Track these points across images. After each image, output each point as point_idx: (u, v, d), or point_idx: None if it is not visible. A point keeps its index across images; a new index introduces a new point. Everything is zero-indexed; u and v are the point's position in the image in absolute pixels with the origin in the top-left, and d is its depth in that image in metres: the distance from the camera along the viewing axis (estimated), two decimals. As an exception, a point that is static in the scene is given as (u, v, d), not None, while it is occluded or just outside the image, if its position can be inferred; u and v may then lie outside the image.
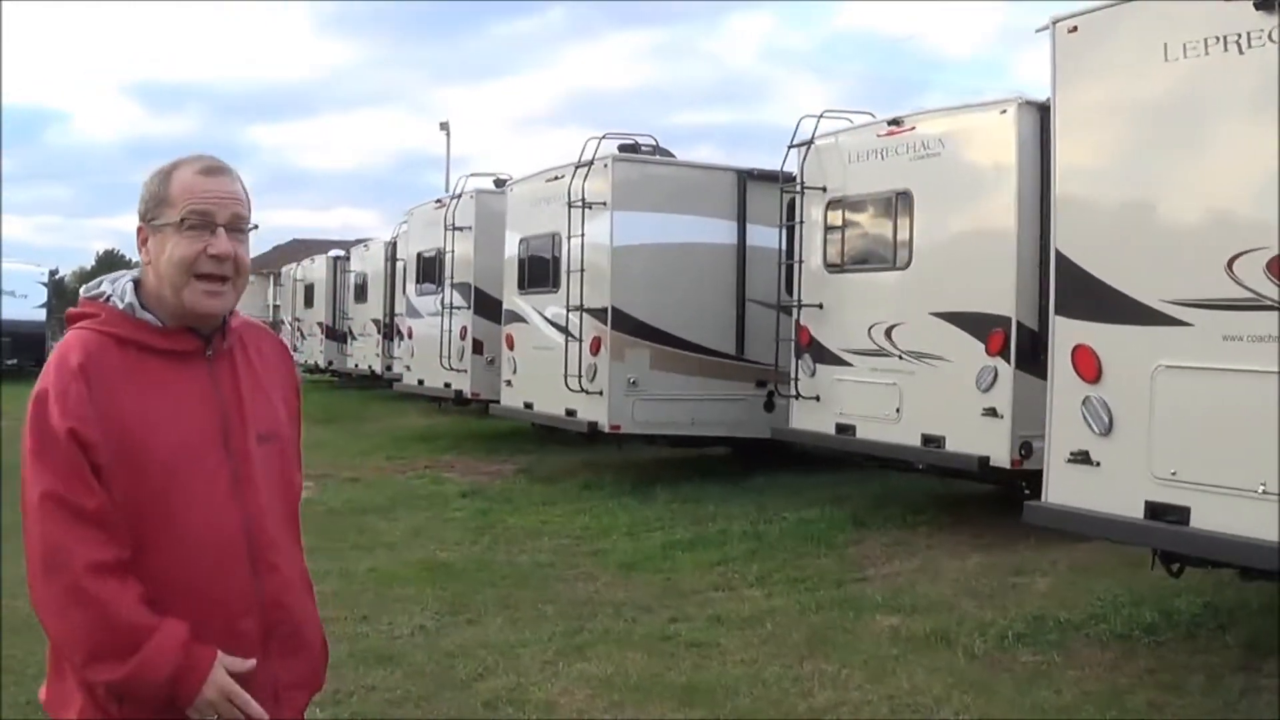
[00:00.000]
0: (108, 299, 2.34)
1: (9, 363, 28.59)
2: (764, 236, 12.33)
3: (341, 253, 25.46)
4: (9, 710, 5.43)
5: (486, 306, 15.27)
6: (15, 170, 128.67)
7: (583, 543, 9.93)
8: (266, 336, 2.60)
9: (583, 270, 11.93)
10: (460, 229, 15.39)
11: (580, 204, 11.92)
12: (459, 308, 15.52)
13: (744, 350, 12.34)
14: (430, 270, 16.80)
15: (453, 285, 15.60)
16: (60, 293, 42.59)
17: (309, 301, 27.63)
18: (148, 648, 2.11)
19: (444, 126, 36.49)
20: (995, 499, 10.85)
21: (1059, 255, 7.06)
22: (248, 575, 2.29)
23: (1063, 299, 7.04)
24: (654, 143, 12.57)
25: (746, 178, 12.35)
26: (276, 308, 32.71)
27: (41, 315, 29.78)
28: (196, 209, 2.26)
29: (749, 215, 12.35)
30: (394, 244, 20.28)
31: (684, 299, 12.10)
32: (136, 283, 2.36)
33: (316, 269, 26.90)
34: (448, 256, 15.57)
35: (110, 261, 67.19)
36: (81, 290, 2.41)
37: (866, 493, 11.56)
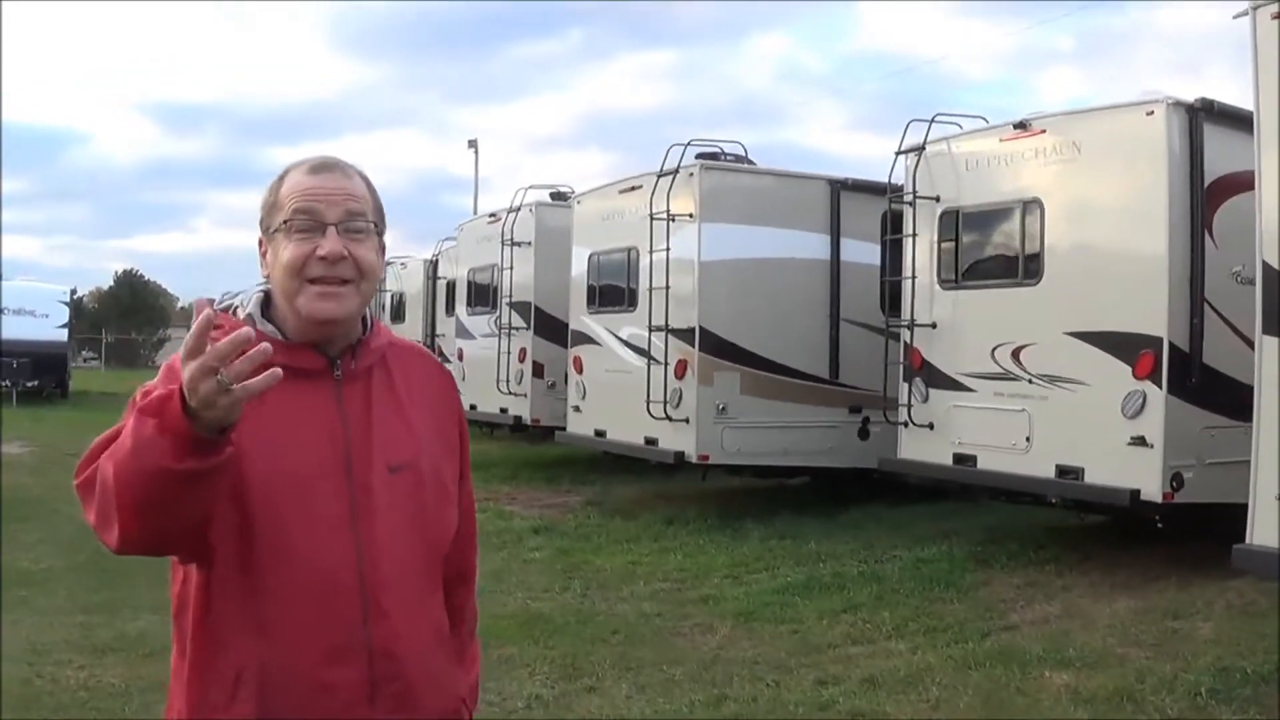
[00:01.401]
0: (234, 310, 2.25)
1: (28, 384, 27.89)
2: (858, 251, 11.59)
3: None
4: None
5: (547, 327, 14.49)
6: (32, 190, 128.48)
7: (684, 587, 9.13)
8: (418, 358, 2.37)
9: (667, 288, 11.11)
10: (519, 244, 14.61)
11: (664, 216, 11.11)
12: (518, 328, 14.73)
13: (838, 374, 11.53)
14: (484, 288, 16.03)
15: (510, 304, 14.80)
16: (79, 314, 41.92)
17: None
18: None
19: (472, 144, 35.92)
20: (1115, 532, 10.08)
21: (1266, 268, 6.28)
22: (356, 619, 2.07)
23: (1271, 318, 6.25)
24: (742, 150, 11.79)
25: (840, 188, 11.56)
26: None
27: (63, 335, 29.08)
28: (302, 208, 2.10)
29: (842, 228, 11.54)
30: (435, 262, 19.53)
31: (775, 318, 11.32)
32: (267, 294, 2.19)
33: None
34: (505, 274, 14.77)
35: (129, 282, 65.91)
36: (216, 302, 1.96)
37: (976, 526, 10.76)
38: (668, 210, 11.08)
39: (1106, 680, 6.57)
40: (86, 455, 1.97)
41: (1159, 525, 8.81)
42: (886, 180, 10.69)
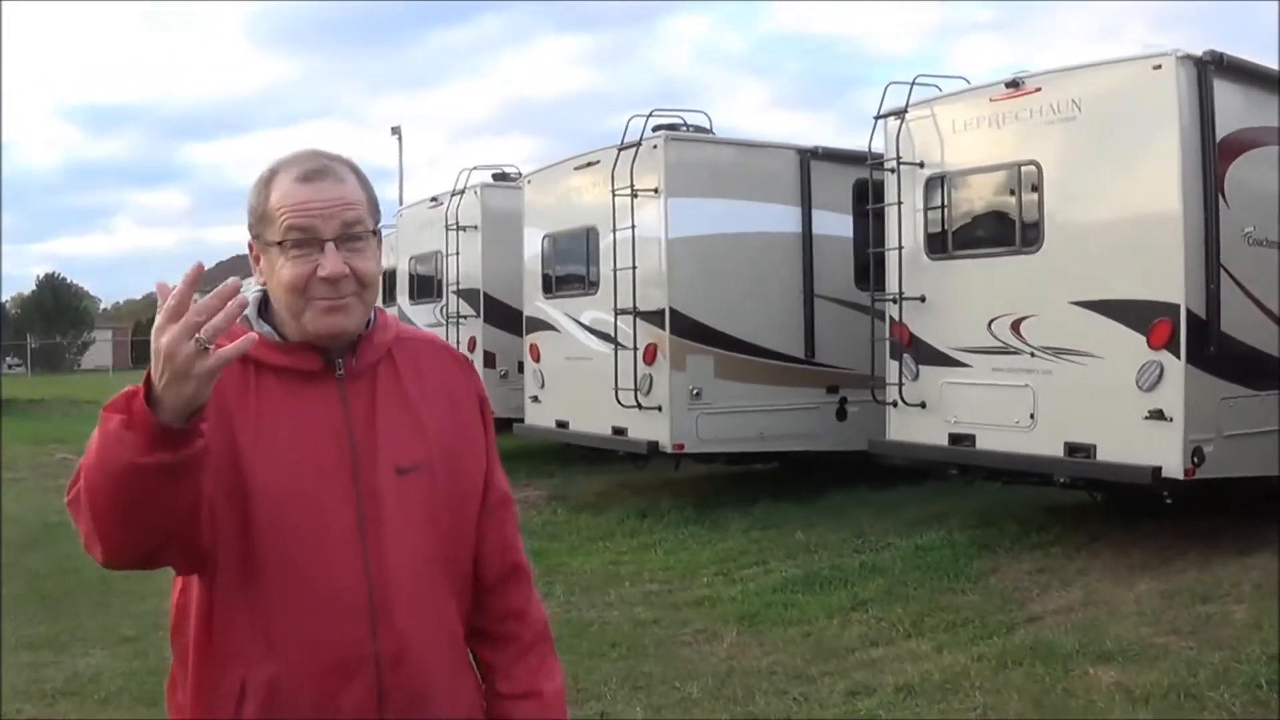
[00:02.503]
0: None
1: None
2: (830, 223, 10.97)
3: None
4: None
5: (498, 314, 13.72)
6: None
7: (673, 588, 8.46)
8: (429, 348, 2.23)
9: (634, 267, 10.38)
10: (464, 229, 13.77)
11: (627, 191, 10.37)
12: (466, 317, 13.91)
13: (814, 353, 10.90)
14: (426, 277, 15.17)
15: (457, 292, 13.96)
16: (1, 320, 40.55)
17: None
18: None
19: (395, 131, 34.63)
20: (1116, 510, 9.59)
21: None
22: (365, 631, 1.97)
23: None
24: (706, 121, 11.09)
25: (810, 157, 10.91)
26: None
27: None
28: (296, 224, 1.96)
29: (814, 199, 10.89)
30: (381, 239, 18.55)
31: (747, 297, 10.66)
32: (265, 295, 2.07)
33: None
34: (450, 260, 13.92)
35: (51, 286, 64.02)
36: None
37: (966, 509, 10.23)
38: (631, 185, 10.34)
39: (1156, 675, 6.05)
40: (76, 472, 1.81)
41: (1169, 502, 8.32)
42: (858, 148, 10.12)
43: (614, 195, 10.50)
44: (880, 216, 9.69)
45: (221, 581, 1.97)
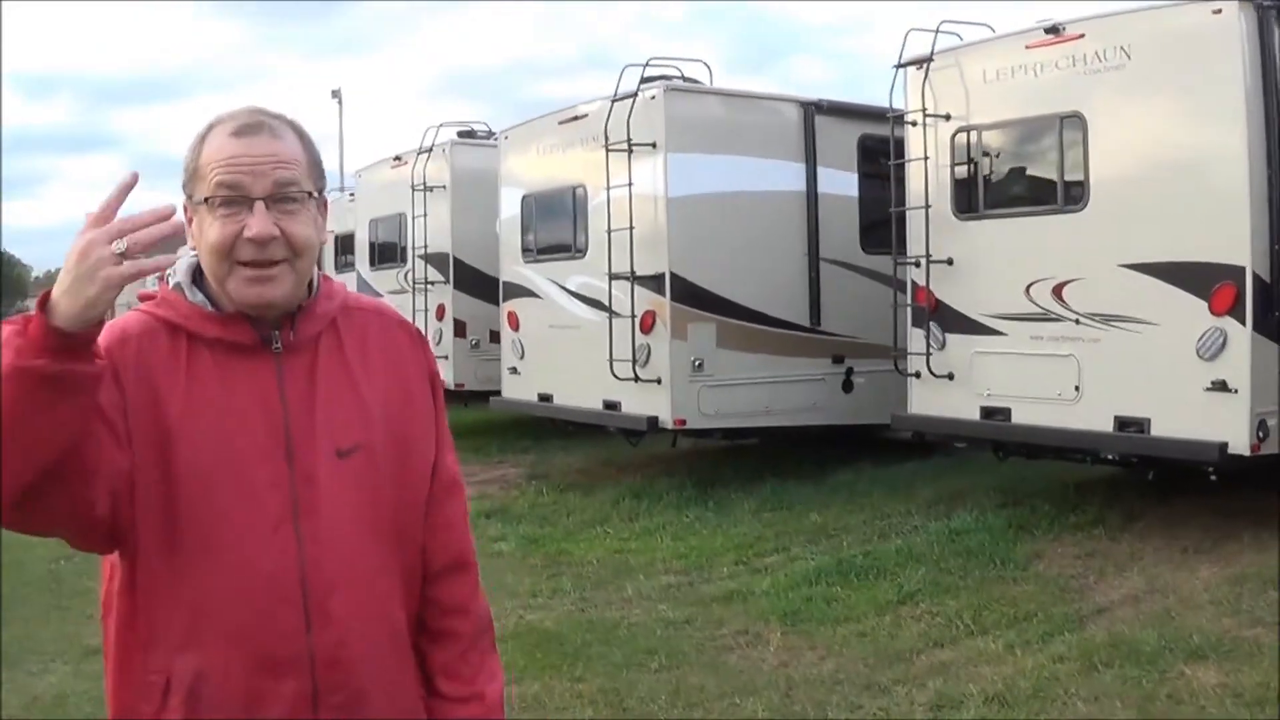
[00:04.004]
0: (164, 278, 1.95)
1: None
2: (835, 181, 10.28)
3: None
4: None
5: (468, 280, 12.91)
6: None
7: (694, 580, 7.81)
8: (377, 320, 2.08)
9: (631, 228, 9.60)
10: (431, 189, 12.88)
11: (623, 146, 9.57)
12: (434, 283, 13.05)
13: (819, 320, 10.23)
14: (389, 240, 14.25)
15: (424, 257, 13.08)
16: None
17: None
18: None
19: (335, 95, 33.39)
20: (1144, 486, 9.03)
21: None
22: (298, 624, 1.86)
23: None
24: (706, 71, 10.35)
25: (814, 110, 10.20)
26: None
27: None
28: (224, 181, 1.86)
29: (819, 156, 10.19)
30: (326, 206, 17.57)
31: (750, 260, 9.97)
32: (199, 262, 1.96)
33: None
34: (417, 222, 13.02)
35: None
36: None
37: (983, 486, 9.63)
38: (628, 139, 9.55)
39: (1260, 675, 5.55)
40: None
41: (1212, 478, 7.78)
42: (862, 100, 9.47)
43: (607, 150, 9.73)
44: (901, 173, 9.01)
45: (143, 565, 1.87)
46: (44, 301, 1.61)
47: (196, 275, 1.97)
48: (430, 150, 12.94)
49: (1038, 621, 6.59)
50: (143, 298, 2.01)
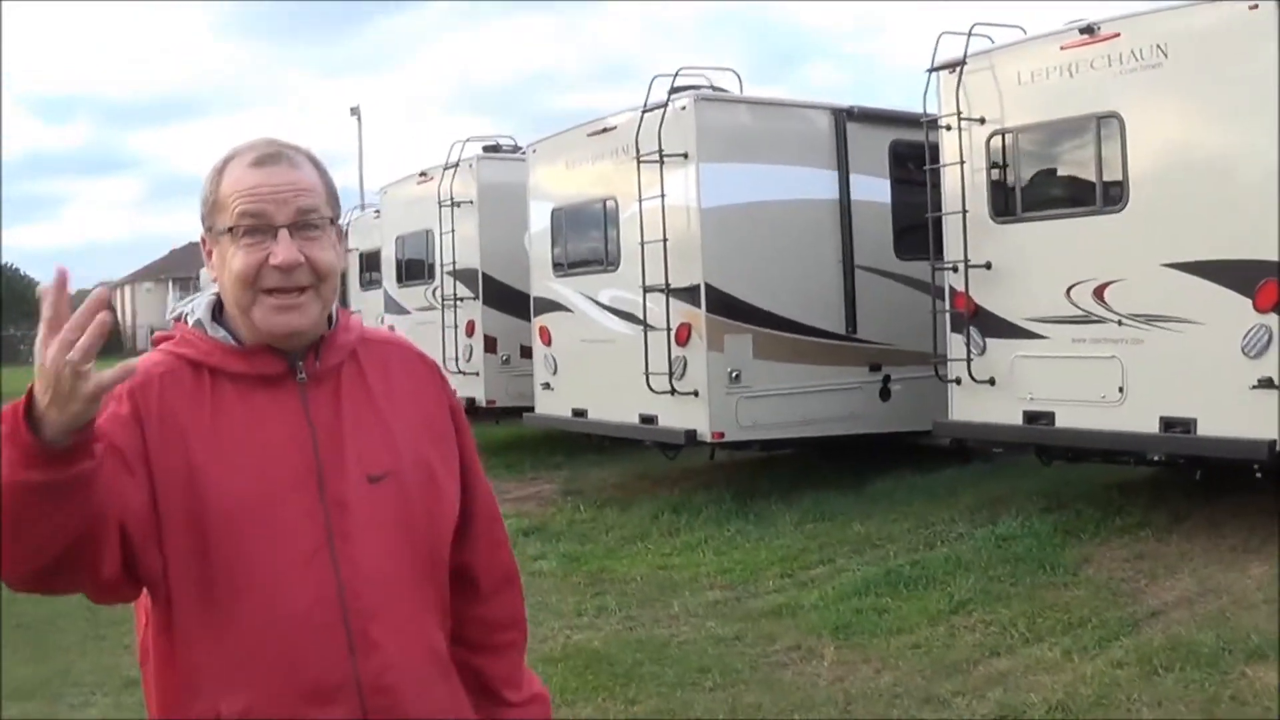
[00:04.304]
0: (185, 318, 2.02)
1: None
2: (868, 188, 10.30)
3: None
4: None
5: (498, 296, 12.95)
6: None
7: (741, 595, 7.82)
8: (395, 349, 2.15)
9: (665, 240, 9.64)
10: (459, 204, 12.94)
11: (655, 157, 9.62)
12: (463, 299, 13.10)
13: (855, 328, 10.25)
14: (416, 257, 14.31)
15: (452, 273, 13.13)
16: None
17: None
18: None
19: (354, 112, 33.55)
20: (1188, 487, 9.00)
21: None
22: (343, 652, 1.88)
23: None
24: (736, 80, 10.39)
25: (846, 117, 10.23)
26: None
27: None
28: (248, 210, 1.90)
29: (850, 163, 10.22)
30: (343, 233, 17.63)
31: (785, 269, 9.99)
32: (219, 297, 2.00)
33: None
34: (445, 238, 13.09)
35: (3, 277, 62.37)
36: (168, 312, 2.16)
37: (1024, 490, 9.62)
38: (659, 150, 9.58)
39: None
40: None
41: (1258, 476, 7.77)
42: (892, 107, 9.49)
43: (639, 162, 9.76)
44: (937, 178, 9.03)
45: (179, 607, 1.88)
46: (29, 402, 1.60)
47: (215, 310, 2.01)
48: (457, 165, 13.00)
49: (1092, 627, 6.59)
50: (158, 340, 2.04)
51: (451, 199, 12.95)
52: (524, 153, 12.47)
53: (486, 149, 13.47)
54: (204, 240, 2.00)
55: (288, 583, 1.88)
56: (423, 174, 13.90)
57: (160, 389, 1.91)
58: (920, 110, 9.18)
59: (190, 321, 2.01)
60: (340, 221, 2.07)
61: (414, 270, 14.49)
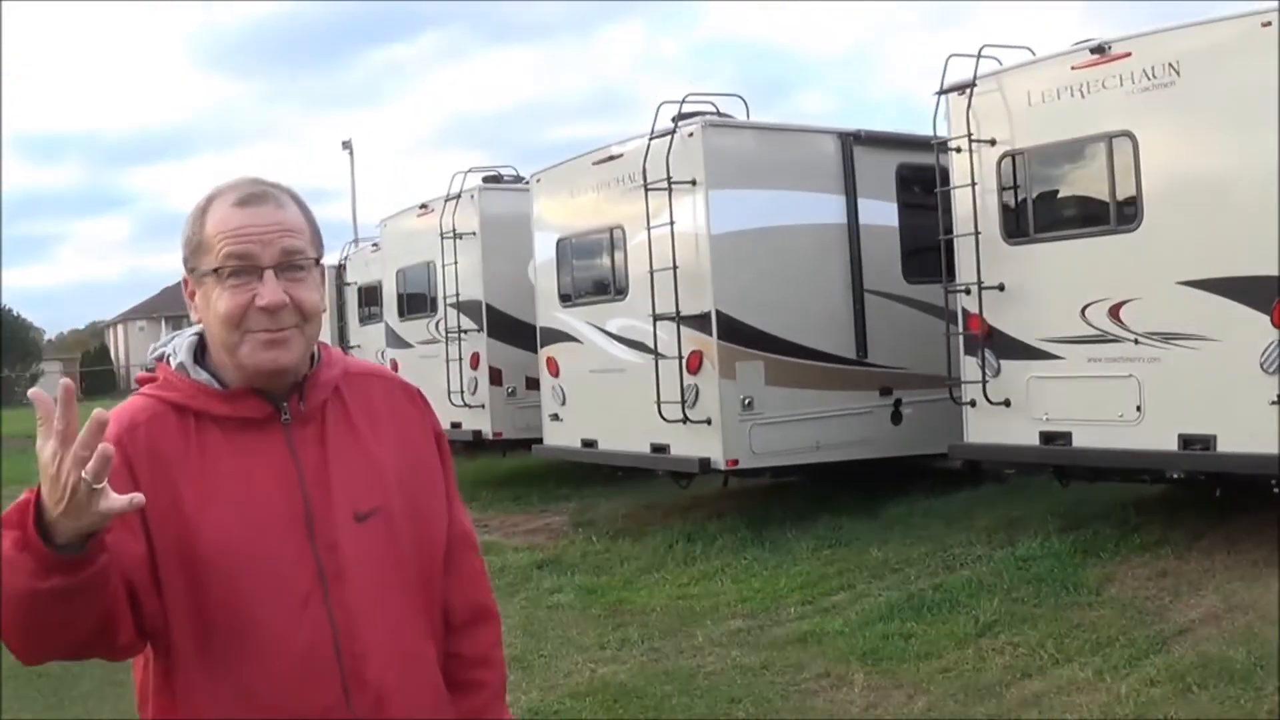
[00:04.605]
0: (167, 359, 2.03)
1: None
2: (875, 212, 10.37)
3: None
4: None
5: (502, 327, 12.98)
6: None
7: (763, 624, 7.83)
8: (378, 381, 2.17)
9: (675, 267, 9.69)
10: (461, 236, 12.99)
11: (663, 184, 9.69)
12: (467, 331, 13.12)
13: (865, 352, 10.30)
14: (417, 289, 14.33)
15: (455, 305, 13.16)
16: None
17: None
18: None
19: (346, 146, 33.58)
20: (1201, 503, 9.05)
21: None
22: (337, 694, 1.90)
23: None
24: (743, 106, 10.47)
25: (853, 141, 10.32)
26: None
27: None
28: (234, 252, 1.91)
29: (858, 187, 10.30)
30: (341, 267, 17.67)
31: (794, 294, 10.05)
32: (201, 338, 2.02)
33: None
34: (447, 270, 13.13)
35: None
36: (149, 350, 2.12)
37: (1040, 511, 9.67)
38: (668, 177, 9.65)
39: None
40: None
41: (1277, 491, 7.82)
42: (900, 129, 9.60)
43: (646, 189, 9.82)
44: (948, 200, 9.11)
45: (177, 655, 1.90)
46: (38, 506, 1.64)
47: (197, 351, 2.01)
48: (459, 197, 13.06)
49: (1120, 646, 6.62)
50: (141, 380, 2.05)
51: (454, 230, 13.00)
52: (526, 183, 12.54)
53: (487, 179, 13.53)
54: (186, 281, 2.01)
55: (282, 629, 1.90)
56: (423, 206, 13.96)
57: (147, 434, 1.92)
58: (924, 133, 9.29)
59: (173, 364, 2.01)
60: (326, 259, 2.10)
61: (416, 303, 14.52)
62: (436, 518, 2.11)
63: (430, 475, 2.13)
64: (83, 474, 1.59)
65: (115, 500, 1.63)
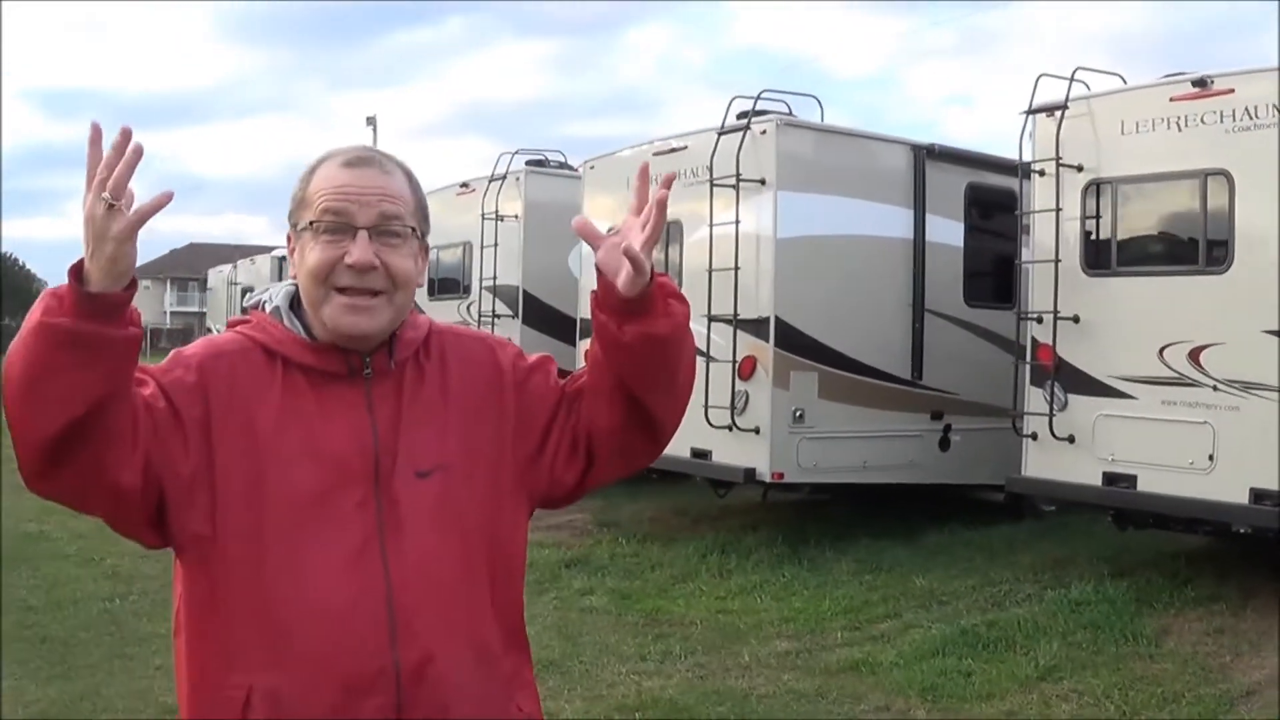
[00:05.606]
0: (262, 305, 2.15)
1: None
2: (941, 230, 10.37)
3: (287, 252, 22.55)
4: None
5: (539, 316, 12.94)
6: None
7: (810, 647, 7.78)
8: (460, 341, 2.21)
9: (736, 269, 9.66)
10: (503, 219, 12.93)
11: (731, 182, 9.65)
12: (501, 316, 13.08)
13: (920, 374, 10.28)
14: (450, 270, 14.28)
15: (492, 289, 13.11)
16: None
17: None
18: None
19: (370, 122, 33.55)
20: (1251, 558, 9.06)
21: None
22: (384, 644, 1.96)
23: None
24: (818, 107, 10.44)
25: (925, 154, 10.29)
26: (202, 315, 30.32)
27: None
28: (330, 208, 2.00)
29: (927, 203, 10.28)
30: (427, 250, 17.63)
31: (854, 308, 10.05)
32: (298, 290, 2.09)
33: (258, 270, 24.32)
34: (486, 252, 13.08)
35: (1, 267, 62.34)
36: (244, 299, 2.21)
37: (1087, 554, 9.73)
38: (736, 175, 9.62)
39: None
40: None
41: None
42: (971, 148, 9.57)
43: (712, 185, 9.78)
44: (1025, 225, 9.09)
45: (226, 585, 1.96)
46: (78, 270, 1.75)
47: (293, 304, 2.11)
48: (504, 178, 13.01)
49: (1187, 703, 6.60)
50: (233, 323, 2.16)
51: (496, 213, 12.96)
52: (573, 169, 12.48)
53: (530, 163, 13.47)
54: (289, 237, 2.11)
55: (337, 571, 1.96)
56: (464, 185, 13.92)
57: (230, 364, 2.04)
58: (997, 154, 9.27)
59: (268, 309, 2.12)
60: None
61: (448, 284, 14.46)
62: (506, 471, 2.15)
63: (501, 430, 2.16)
64: (102, 195, 1.71)
65: (142, 206, 1.74)
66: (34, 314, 1.78)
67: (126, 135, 1.74)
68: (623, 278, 2.01)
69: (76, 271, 1.75)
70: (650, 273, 2.02)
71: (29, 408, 1.80)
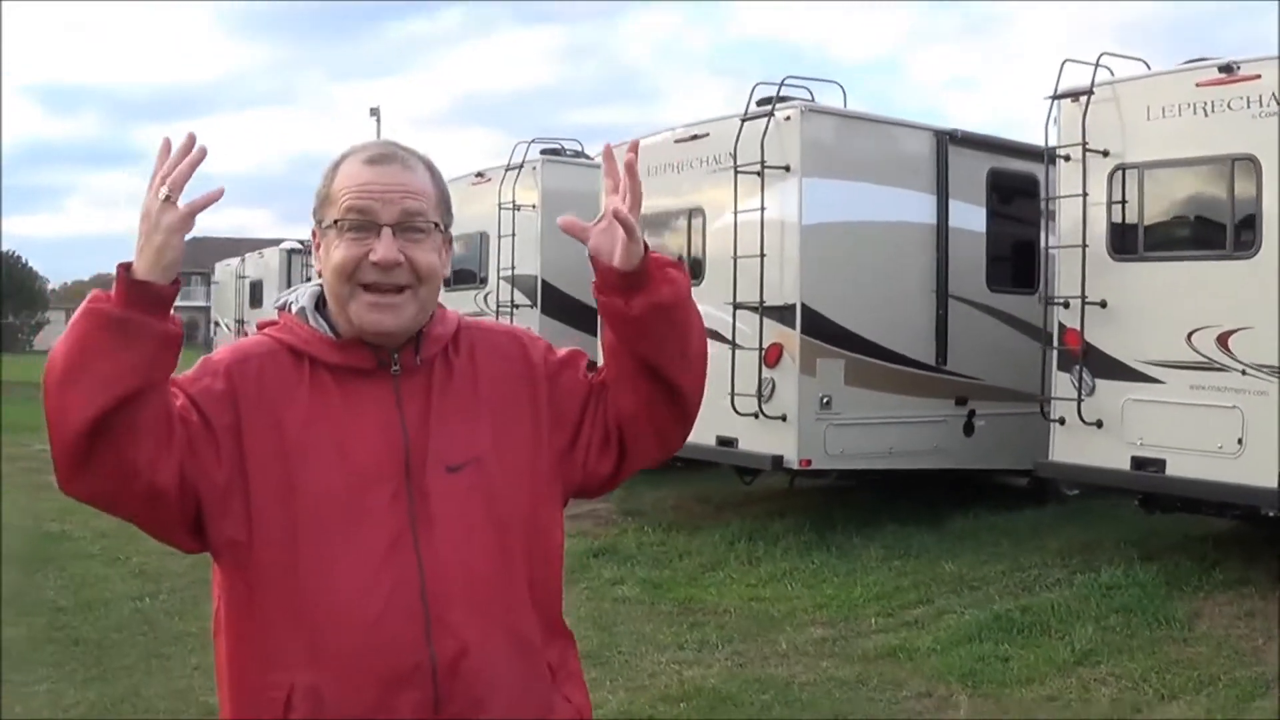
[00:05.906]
0: (289, 306, 2.19)
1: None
2: (964, 215, 10.47)
3: (297, 245, 22.95)
4: None
5: (557, 305, 13.03)
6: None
7: (845, 634, 7.89)
8: (487, 336, 2.26)
9: (762, 255, 9.76)
10: (520, 208, 13.02)
11: (755, 168, 9.74)
12: (520, 306, 13.18)
13: (945, 359, 10.39)
14: (466, 260, 14.36)
15: (509, 278, 13.21)
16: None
17: (256, 300, 24.79)
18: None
19: (374, 113, 33.53)
20: (1260, 539, 9.21)
21: None
22: (419, 638, 2.00)
23: None
24: (841, 93, 10.55)
25: (949, 140, 10.39)
26: (207, 309, 30.35)
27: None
28: (354, 205, 2.05)
29: (950, 188, 10.37)
30: (451, 243, 17.70)
31: (879, 293, 10.16)
32: (323, 289, 2.15)
33: (266, 264, 24.35)
34: (503, 241, 13.17)
35: (2, 265, 62.13)
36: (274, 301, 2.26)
37: (1113, 538, 9.85)
38: (761, 161, 9.72)
39: None
40: None
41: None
42: (993, 133, 9.67)
43: (736, 172, 9.88)
44: (1051, 210, 9.20)
45: (262, 585, 2.00)
46: (127, 265, 1.85)
47: (319, 304, 2.16)
48: (520, 167, 13.10)
49: (1224, 686, 6.71)
50: (262, 325, 2.21)
51: (513, 202, 13.04)
52: (590, 158, 12.56)
53: (545, 152, 13.55)
54: (314, 234, 2.16)
55: (371, 570, 2.00)
56: (479, 174, 13.99)
57: (258, 367, 2.09)
58: (1020, 139, 9.36)
59: (294, 310, 2.16)
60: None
61: (464, 274, 14.51)
62: (537, 461, 2.19)
63: (532, 424, 2.20)
64: (160, 188, 1.84)
65: (196, 200, 1.87)
66: (81, 306, 1.87)
67: (191, 139, 1.87)
68: (618, 250, 2.12)
69: (126, 266, 1.85)
70: (644, 243, 2.11)
71: (67, 391, 1.86)
